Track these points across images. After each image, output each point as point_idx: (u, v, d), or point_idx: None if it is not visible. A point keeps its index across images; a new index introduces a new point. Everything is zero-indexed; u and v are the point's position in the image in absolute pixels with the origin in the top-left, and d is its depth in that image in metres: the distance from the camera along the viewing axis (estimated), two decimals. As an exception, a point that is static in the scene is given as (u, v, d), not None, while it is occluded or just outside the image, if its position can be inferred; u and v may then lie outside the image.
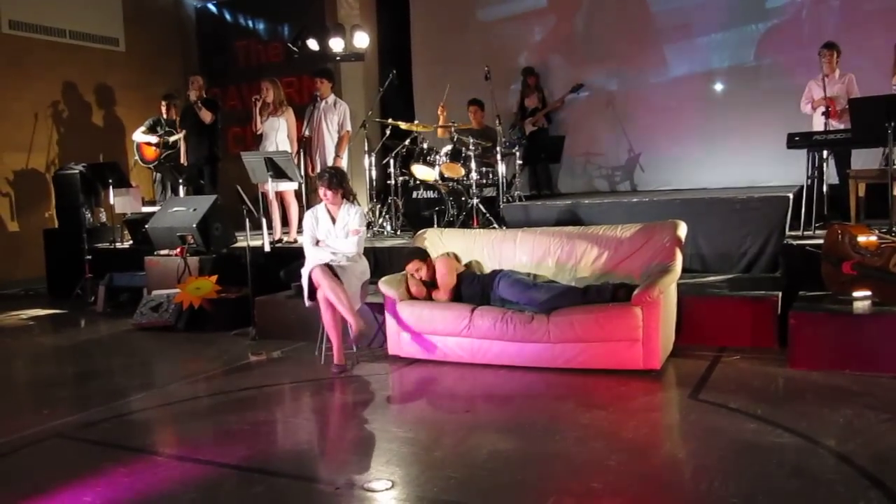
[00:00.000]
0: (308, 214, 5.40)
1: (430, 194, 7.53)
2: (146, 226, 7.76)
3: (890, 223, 5.33)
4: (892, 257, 4.40)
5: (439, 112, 8.25)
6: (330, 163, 7.70)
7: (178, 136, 9.00)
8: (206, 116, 8.44)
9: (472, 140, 7.36)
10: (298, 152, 7.76)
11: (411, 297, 5.12)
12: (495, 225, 7.08)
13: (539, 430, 3.67)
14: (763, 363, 4.57)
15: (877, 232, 4.71)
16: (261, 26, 11.60)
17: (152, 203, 9.36)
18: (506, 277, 4.99)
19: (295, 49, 9.77)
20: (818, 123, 6.69)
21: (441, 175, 7.48)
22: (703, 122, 8.76)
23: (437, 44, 10.40)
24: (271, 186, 6.63)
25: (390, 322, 5.13)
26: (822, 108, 6.61)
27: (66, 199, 9.00)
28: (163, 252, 7.48)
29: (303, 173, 7.43)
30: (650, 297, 4.36)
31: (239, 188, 7.19)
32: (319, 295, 4.94)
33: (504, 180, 7.48)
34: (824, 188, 6.28)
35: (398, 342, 5.11)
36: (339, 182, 5.28)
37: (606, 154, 9.45)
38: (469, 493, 3.00)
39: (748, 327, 4.96)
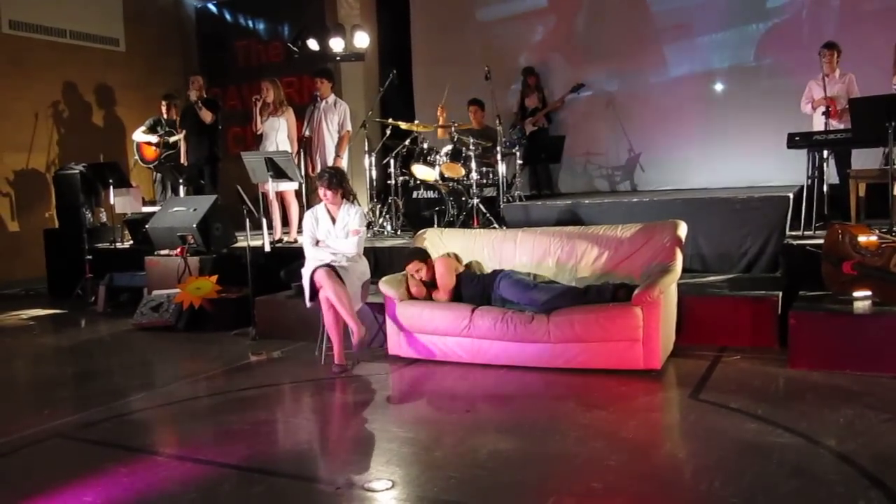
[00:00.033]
0: (308, 214, 5.40)
1: (431, 194, 7.53)
2: (146, 226, 7.77)
3: (890, 223, 5.32)
4: (893, 257, 4.40)
5: (439, 113, 8.25)
6: (330, 163, 7.70)
7: (179, 137, 9.00)
8: (207, 116, 8.44)
9: (472, 140, 7.36)
10: (299, 152, 7.76)
11: (411, 297, 5.12)
12: (495, 225, 7.07)
13: (539, 430, 3.68)
14: (763, 363, 4.57)
15: (877, 232, 4.70)
16: (261, 26, 11.60)
17: (152, 203, 9.37)
18: (507, 278, 4.99)
19: (295, 49, 9.78)
20: (818, 123, 6.68)
21: (441, 175, 7.48)
22: (703, 122, 8.77)
23: (438, 44, 10.40)
24: (271, 186, 6.63)
25: (390, 322, 5.13)
26: (823, 108, 6.61)
27: (66, 199, 9.00)
28: (163, 252, 7.48)
29: (303, 173, 7.43)
30: (650, 296, 4.36)
31: (239, 188, 7.19)
32: (321, 295, 4.94)
33: (504, 180, 7.48)
34: (825, 188, 6.28)
35: (398, 342, 5.11)
36: (338, 182, 5.28)
37: (607, 154, 9.45)
38: (469, 493, 3.00)
39: (748, 327, 4.96)
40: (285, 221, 7.88)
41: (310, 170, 7.81)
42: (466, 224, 7.19)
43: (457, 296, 5.09)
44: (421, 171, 7.58)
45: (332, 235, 5.26)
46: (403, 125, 7.94)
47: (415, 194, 7.65)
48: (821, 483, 2.90)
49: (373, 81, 10.43)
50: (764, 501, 2.78)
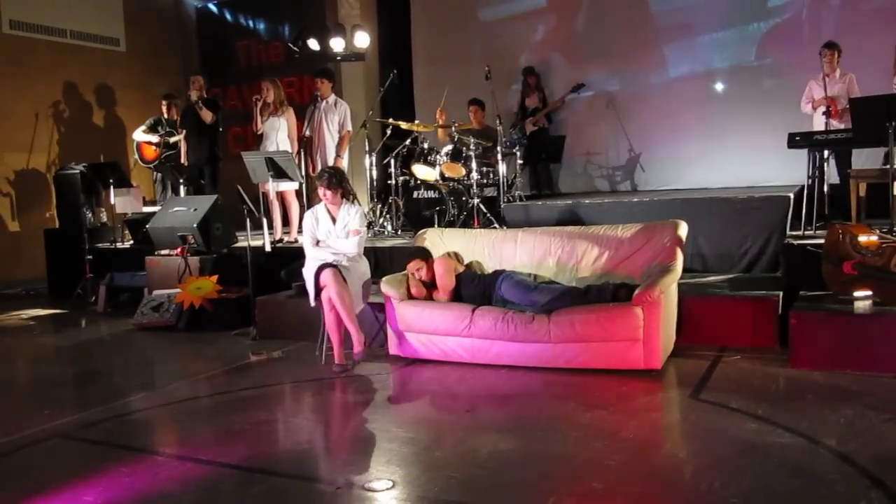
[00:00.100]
0: (308, 214, 5.39)
1: (431, 194, 7.53)
2: (147, 226, 7.77)
3: (891, 223, 5.32)
4: (893, 257, 4.40)
5: (438, 116, 8.24)
6: (331, 163, 7.70)
7: (179, 137, 9.01)
8: (207, 116, 8.44)
9: (472, 140, 7.36)
10: (299, 152, 7.76)
11: (411, 297, 5.11)
12: (496, 225, 7.07)
13: (540, 430, 3.68)
14: (764, 363, 4.57)
15: (878, 232, 4.70)
16: (261, 26, 11.61)
17: (153, 203, 9.37)
18: (508, 279, 4.98)
19: (295, 49, 9.77)
20: (819, 123, 6.68)
21: (442, 175, 7.48)
22: (703, 121, 8.76)
23: (438, 43, 10.40)
24: (272, 186, 6.64)
25: (391, 322, 5.13)
26: (823, 108, 6.61)
27: (66, 199, 8.99)
28: (163, 252, 7.48)
29: (303, 173, 7.43)
30: (651, 296, 4.36)
31: (239, 188, 7.20)
32: (324, 295, 4.94)
33: (505, 180, 7.48)
34: (825, 188, 6.27)
35: (399, 342, 5.11)
36: (338, 182, 5.28)
37: (607, 154, 9.45)
38: (469, 492, 3.00)
39: (749, 327, 4.96)
40: (286, 221, 7.88)
41: (310, 170, 7.81)
42: (467, 224, 7.19)
43: (457, 296, 5.08)
44: (421, 171, 7.58)
45: (332, 235, 5.26)
46: (404, 125, 7.94)
47: (415, 194, 7.65)
48: (821, 483, 2.90)
49: (373, 81, 10.43)
50: (764, 501, 2.78)
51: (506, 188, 7.51)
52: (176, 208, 7.68)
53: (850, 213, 6.01)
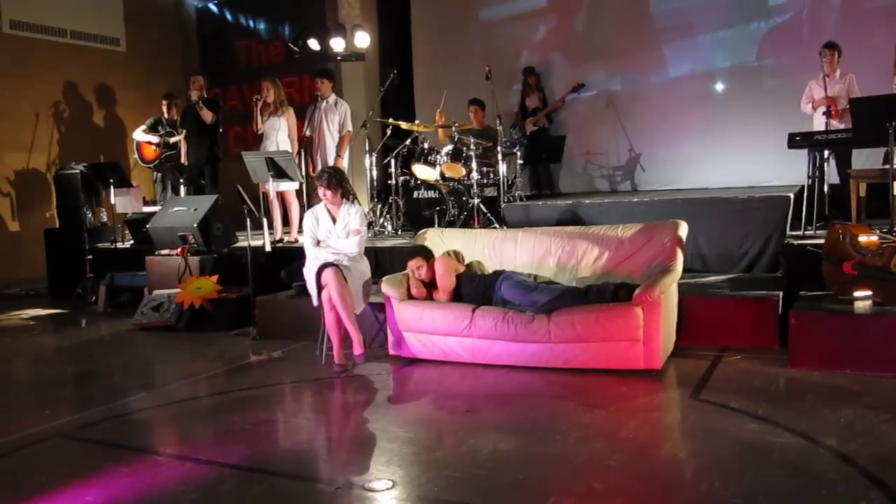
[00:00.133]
0: (308, 214, 5.40)
1: (431, 194, 7.52)
2: (147, 225, 7.77)
3: (891, 223, 5.31)
4: (893, 257, 4.40)
5: (437, 117, 8.23)
6: (331, 163, 7.70)
7: (179, 137, 9.01)
8: (207, 116, 8.44)
9: (472, 140, 7.36)
10: (299, 152, 7.77)
11: (412, 297, 5.11)
12: (496, 225, 7.08)
13: (540, 429, 3.67)
14: (764, 363, 4.57)
15: (878, 232, 4.70)
16: (261, 26, 11.61)
17: (153, 203, 9.38)
18: (508, 279, 4.98)
19: (296, 49, 9.78)
20: (819, 123, 6.68)
21: (442, 175, 7.48)
22: (703, 121, 8.76)
23: (438, 43, 10.40)
24: (272, 186, 6.64)
25: (391, 322, 5.13)
26: (823, 108, 6.61)
27: (66, 199, 9.00)
28: (164, 252, 7.48)
29: (304, 173, 7.43)
30: (651, 296, 4.36)
31: (240, 188, 7.20)
32: (324, 295, 4.94)
33: (505, 180, 7.48)
34: (825, 188, 6.27)
35: (399, 342, 5.11)
36: (338, 182, 5.28)
37: (607, 154, 9.45)
38: (470, 492, 3.00)
39: (749, 327, 4.96)
40: (286, 221, 7.88)
41: (310, 169, 7.81)
42: (467, 224, 7.19)
43: (457, 296, 5.08)
44: (421, 171, 7.58)
45: (332, 235, 5.26)
46: (404, 125, 7.94)
47: (415, 194, 7.65)
48: (821, 483, 2.90)
49: (373, 81, 10.43)
50: (764, 501, 2.78)
51: (506, 188, 7.51)
52: (176, 208, 7.68)
53: (850, 214, 6.01)
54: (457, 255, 5.44)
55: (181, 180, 8.96)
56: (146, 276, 7.38)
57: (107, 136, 10.80)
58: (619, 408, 3.95)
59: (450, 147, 7.48)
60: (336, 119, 7.88)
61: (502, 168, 7.40)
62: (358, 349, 4.85)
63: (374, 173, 8.26)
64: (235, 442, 3.71)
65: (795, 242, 5.62)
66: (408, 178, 7.88)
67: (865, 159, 6.75)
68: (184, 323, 6.49)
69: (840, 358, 4.30)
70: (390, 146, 8.27)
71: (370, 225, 7.55)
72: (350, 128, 7.97)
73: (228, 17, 11.89)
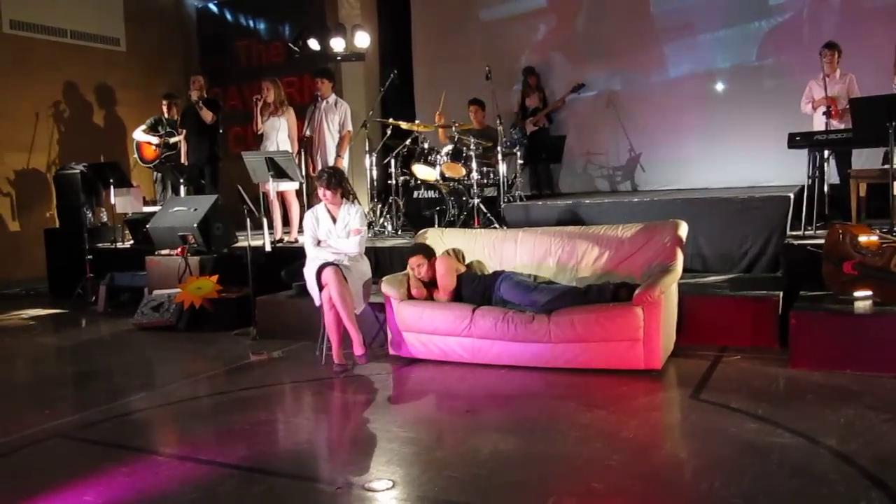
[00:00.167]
0: (308, 215, 5.40)
1: (431, 194, 7.52)
2: (147, 225, 7.77)
3: (891, 223, 5.31)
4: (894, 257, 4.40)
5: (436, 119, 8.23)
6: (331, 163, 7.70)
7: (179, 138, 9.01)
8: (207, 116, 8.44)
9: (472, 140, 7.36)
10: (299, 152, 7.77)
11: (412, 297, 5.11)
12: (496, 225, 7.07)
13: (540, 430, 3.67)
14: (764, 363, 4.57)
15: (878, 232, 4.70)
16: (262, 26, 11.61)
17: (153, 203, 9.38)
18: (507, 280, 4.98)
19: (296, 49, 9.78)
20: (819, 123, 6.68)
21: (442, 175, 7.48)
22: (703, 121, 8.76)
23: (438, 43, 10.40)
24: (272, 186, 6.64)
25: (391, 322, 5.13)
26: (823, 108, 6.61)
27: (67, 199, 9.00)
28: (164, 252, 7.48)
29: (304, 173, 7.43)
30: (651, 296, 4.36)
31: (240, 188, 7.21)
32: (324, 294, 4.94)
33: (505, 180, 7.48)
34: (825, 188, 6.27)
35: (399, 342, 5.11)
36: (337, 182, 5.28)
37: (607, 154, 9.45)
38: (470, 492, 3.00)
39: (749, 327, 4.96)
40: (286, 221, 7.88)
41: (310, 169, 7.81)
42: (467, 224, 7.19)
43: (457, 296, 5.08)
44: (422, 171, 7.58)
45: (333, 235, 5.26)
46: (404, 125, 7.94)
47: (415, 194, 7.65)
48: (821, 483, 2.89)
49: (373, 81, 10.43)
50: (765, 501, 2.78)
51: (506, 188, 7.51)
52: (176, 208, 7.68)
53: (850, 214, 6.01)
54: (457, 254, 5.44)
55: (181, 180, 8.96)
56: (146, 276, 7.38)
57: (107, 136, 10.80)
58: (620, 408, 3.95)
59: (450, 147, 7.48)
60: (336, 119, 7.89)
61: (502, 168, 7.40)
62: (359, 349, 4.85)
63: (375, 173, 8.26)
64: (235, 442, 3.71)
65: (795, 242, 5.62)
66: (408, 178, 7.88)
67: (865, 159, 6.74)
68: (184, 323, 6.49)
69: (840, 358, 4.30)
70: (390, 146, 8.27)
71: (370, 225, 7.55)
72: (350, 128, 7.97)
73: (228, 17, 11.89)
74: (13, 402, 4.80)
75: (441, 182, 7.53)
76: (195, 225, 7.20)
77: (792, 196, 6.08)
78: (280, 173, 6.39)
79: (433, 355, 4.96)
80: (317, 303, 5.08)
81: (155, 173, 9.81)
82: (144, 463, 3.46)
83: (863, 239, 4.55)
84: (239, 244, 7.44)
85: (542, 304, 4.70)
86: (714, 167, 8.58)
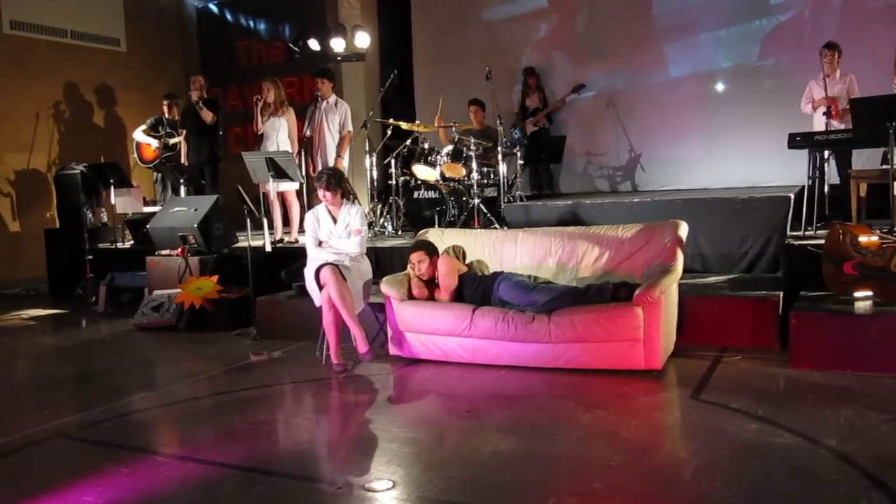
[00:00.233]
0: (309, 215, 5.40)
1: (432, 194, 7.53)
2: (147, 226, 7.77)
3: (891, 223, 5.31)
4: (894, 257, 4.40)
5: (436, 123, 8.22)
6: (331, 163, 7.70)
7: (178, 139, 9.01)
8: (208, 116, 8.44)
9: (473, 140, 7.36)
10: (300, 152, 7.77)
11: (413, 297, 5.10)
12: (496, 225, 7.07)
13: (540, 430, 3.67)
14: (764, 363, 4.57)
15: (878, 232, 4.70)
16: (262, 26, 11.61)
17: (153, 203, 9.38)
18: (506, 280, 4.97)
19: (296, 49, 9.78)
20: (819, 123, 6.68)
21: (442, 175, 7.48)
22: (704, 122, 8.76)
23: (439, 44, 10.40)
24: (272, 186, 6.64)
25: (391, 322, 5.13)
26: (823, 109, 6.61)
27: (67, 199, 9.00)
28: (164, 252, 7.48)
29: (304, 173, 7.43)
30: (651, 297, 4.36)
31: (240, 188, 7.21)
32: (323, 294, 4.94)
33: (505, 180, 7.48)
34: (825, 188, 6.27)
35: (399, 342, 5.11)
36: (337, 182, 5.28)
37: (607, 154, 9.45)
38: (470, 493, 3.00)
39: (749, 327, 4.96)
40: (286, 221, 7.88)
41: (311, 170, 7.81)
42: (467, 224, 7.19)
43: (458, 296, 5.08)
44: (422, 172, 7.59)
45: (334, 236, 5.27)
46: (404, 125, 7.94)
47: (416, 194, 7.65)
48: (822, 483, 2.89)
49: (374, 81, 10.43)
50: (765, 502, 2.78)
51: (506, 188, 7.51)
52: (176, 208, 7.68)
53: (850, 214, 6.01)
54: (457, 252, 5.44)
55: (181, 180, 8.96)
56: (146, 277, 7.38)
57: (107, 137, 10.81)
58: (620, 408, 3.95)
59: (450, 147, 7.48)
60: (336, 119, 7.89)
61: (502, 168, 7.40)
62: (363, 346, 4.84)
63: (375, 173, 8.26)
64: (235, 442, 3.71)
65: (796, 243, 5.62)
66: (408, 178, 7.89)
67: (865, 160, 6.74)
68: (184, 323, 6.49)
69: (840, 358, 4.30)
70: (390, 146, 8.27)
71: (370, 225, 7.55)
72: (350, 128, 7.98)
73: (229, 17, 11.89)
74: (13, 403, 4.81)
75: (441, 182, 7.53)
76: (195, 225, 7.20)
77: (792, 196, 6.08)
78: (280, 173, 6.39)
79: (433, 355, 4.96)
80: (317, 303, 5.08)
81: (155, 173, 9.81)
82: (145, 463, 3.46)
83: (863, 239, 4.55)
84: (239, 244, 7.44)
85: (541, 304, 4.70)
86: (714, 167, 8.58)
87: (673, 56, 9.04)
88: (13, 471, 3.54)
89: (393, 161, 7.95)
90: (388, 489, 3.03)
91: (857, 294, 4.56)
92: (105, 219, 9.15)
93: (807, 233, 5.97)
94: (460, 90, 8.62)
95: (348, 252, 5.20)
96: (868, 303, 4.49)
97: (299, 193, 7.72)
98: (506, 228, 6.73)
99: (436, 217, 7.37)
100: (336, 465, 3.52)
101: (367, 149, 8.21)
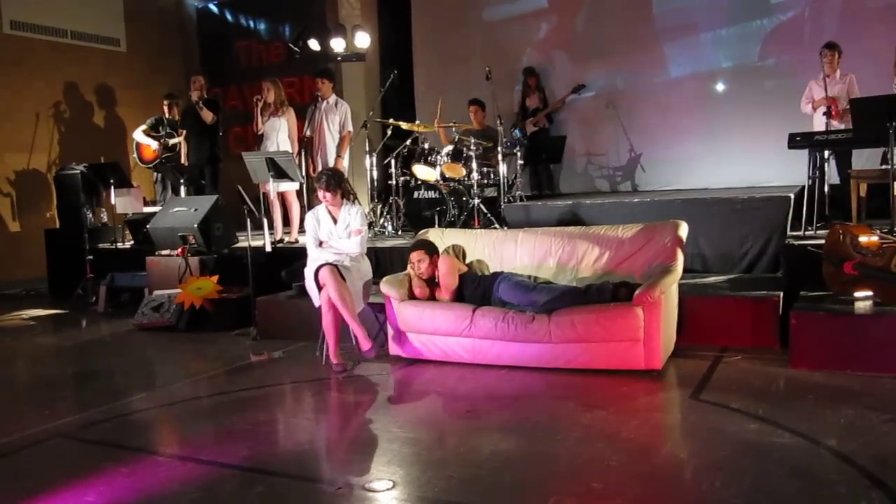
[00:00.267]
0: (309, 216, 5.40)
1: (432, 194, 7.53)
2: (147, 226, 7.77)
3: (891, 223, 5.32)
4: (894, 257, 4.40)
5: (435, 125, 8.22)
6: (331, 163, 7.70)
7: (178, 140, 9.01)
8: (208, 116, 8.44)
9: (473, 140, 7.36)
10: (300, 152, 7.77)
11: (413, 297, 5.10)
12: (496, 225, 7.08)
13: (540, 430, 3.67)
14: (764, 363, 4.57)
15: (878, 232, 4.70)
16: (262, 26, 11.61)
17: (153, 203, 9.38)
18: (506, 280, 4.97)
19: (296, 49, 9.78)
20: (819, 123, 6.68)
21: (442, 175, 7.48)
22: (704, 122, 8.76)
23: (439, 44, 10.41)
24: (272, 186, 6.64)
25: (391, 322, 5.13)
26: (823, 109, 6.61)
27: (67, 200, 9.00)
28: (164, 252, 7.49)
29: (304, 173, 7.43)
30: (651, 297, 4.36)
31: (240, 188, 7.21)
32: (322, 294, 4.94)
33: (505, 180, 7.48)
34: (825, 188, 6.27)
35: (399, 342, 5.11)
36: (336, 183, 5.28)
37: (607, 154, 9.45)
38: (470, 493, 3.00)
39: (749, 327, 4.96)
40: (286, 221, 7.88)
41: (311, 170, 7.82)
42: (467, 224, 7.20)
43: (459, 296, 5.08)
44: (422, 172, 7.59)
45: (334, 236, 5.27)
46: (404, 125, 7.95)
47: (416, 194, 7.65)
48: (822, 483, 2.90)
49: (374, 82, 10.44)
50: (765, 502, 2.78)
51: (506, 188, 7.51)
52: (176, 208, 7.68)
53: (850, 214, 6.01)
54: (457, 251, 5.44)
55: (181, 181, 8.96)
56: (146, 277, 7.38)
57: (107, 137, 10.81)
58: (620, 408, 3.95)
59: (450, 147, 7.49)
60: (336, 119, 7.89)
61: (502, 168, 7.40)
62: (365, 344, 4.82)
63: (375, 174, 8.26)
64: (235, 442, 3.71)
65: (796, 243, 5.62)
66: (408, 178, 7.89)
67: (866, 160, 6.74)
68: (184, 323, 6.49)
69: (840, 358, 4.30)
70: (391, 146, 8.27)
71: (370, 225, 7.55)
72: (350, 128, 7.98)
73: (229, 17, 11.89)
74: (13, 403, 4.81)
75: (441, 182, 7.53)
76: (195, 225, 7.20)
77: (792, 196, 6.08)
78: (280, 174, 6.39)
79: (433, 355, 4.96)
80: (316, 304, 5.08)
81: (155, 174, 9.81)
82: (145, 463, 3.46)
83: (863, 239, 4.55)
84: (239, 244, 7.44)
85: (541, 304, 4.70)
86: (714, 167, 8.58)
87: (673, 56, 9.04)
88: (13, 471, 3.55)
89: (393, 161, 7.95)
90: (388, 489, 3.03)
91: (857, 294, 4.56)
92: (105, 219, 9.15)
93: (807, 233, 5.96)
94: (460, 90, 8.62)
95: (348, 252, 5.20)
96: (868, 303, 4.49)
97: (299, 193, 7.72)
98: (506, 228, 6.73)
99: (436, 217, 7.37)
100: (336, 465, 3.52)
101: (367, 149, 8.22)
